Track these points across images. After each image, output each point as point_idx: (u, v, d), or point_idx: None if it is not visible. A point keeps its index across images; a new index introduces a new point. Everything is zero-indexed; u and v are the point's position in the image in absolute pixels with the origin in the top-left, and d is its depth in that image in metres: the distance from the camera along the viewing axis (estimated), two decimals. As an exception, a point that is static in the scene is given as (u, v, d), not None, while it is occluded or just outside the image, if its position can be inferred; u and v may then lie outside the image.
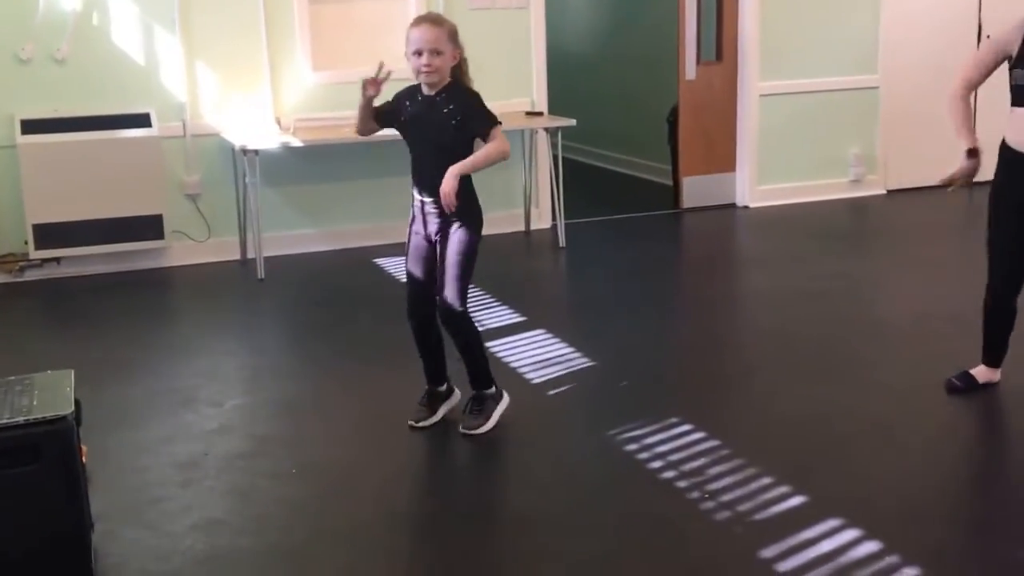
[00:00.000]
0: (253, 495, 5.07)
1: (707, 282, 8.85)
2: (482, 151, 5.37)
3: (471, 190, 5.48)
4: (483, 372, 5.68)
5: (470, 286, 5.54)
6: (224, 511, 4.92)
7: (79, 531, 4.17)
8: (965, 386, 5.92)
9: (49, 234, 8.66)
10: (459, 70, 5.44)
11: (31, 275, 8.88)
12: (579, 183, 11.05)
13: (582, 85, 13.11)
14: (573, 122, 9.66)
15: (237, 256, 9.46)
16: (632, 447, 5.40)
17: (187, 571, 4.41)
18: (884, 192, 11.51)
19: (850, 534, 4.45)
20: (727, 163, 11.12)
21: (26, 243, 8.68)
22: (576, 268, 9.20)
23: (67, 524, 4.12)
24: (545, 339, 7.04)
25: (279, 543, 4.61)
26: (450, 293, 5.43)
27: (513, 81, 10.03)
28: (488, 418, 5.63)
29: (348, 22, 9.55)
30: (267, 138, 8.95)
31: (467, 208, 5.41)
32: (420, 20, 5.41)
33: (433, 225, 5.48)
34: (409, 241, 5.62)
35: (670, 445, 5.39)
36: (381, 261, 9.19)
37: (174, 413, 6.05)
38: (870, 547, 4.35)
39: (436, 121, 5.36)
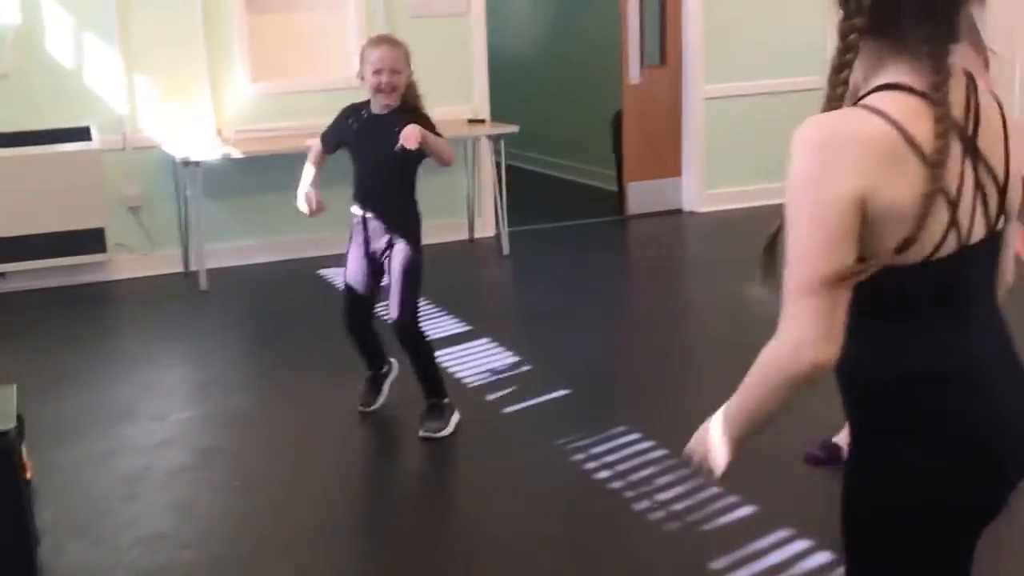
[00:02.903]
0: (197, 508, 5.07)
1: (654, 290, 8.86)
2: (435, 137, 5.46)
3: (414, 202, 5.67)
4: (438, 384, 5.72)
5: (419, 300, 5.64)
6: (168, 525, 4.91)
7: (25, 547, 4.13)
8: (827, 457, 5.12)
9: (-7, 249, 8.58)
10: (409, 92, 5.58)
11: (-27, 291, 8.80)
12: (522, 190, 11.00)
13: (524, 90, 13.08)
14: (515, 129, 9.66)
15: (180, 268, 9.37)
16: (579, 456, 5.40)
17: None
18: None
19: (801, 544, 4.44)
20: (672, 168, 11.09)
21: (-34, 258, 8.59)
22: (521, 276, 9.20)
23: (12, 540, 4.08)
24: (491, 348, 7.03)
25: (223, 556, 4.62)
26: (404, 311, 5.55)
27: (455, 88, 10.01)
28: (447, 423, 5.65)
29: (287, 33, 9.52)
30: (208, 149, 8.90)
31: (410, 221, 5.63)
32: (380, 40, 5.57)
33: (377, 241, 5.61)
34: (348, 256, 5.82)
35: (618, 455, 5.39)
36: (324, 272, 9.13)
37: (117, 427, 6.02)
38: (822, 558, 4.33)
39: (385, 139, 5.38)
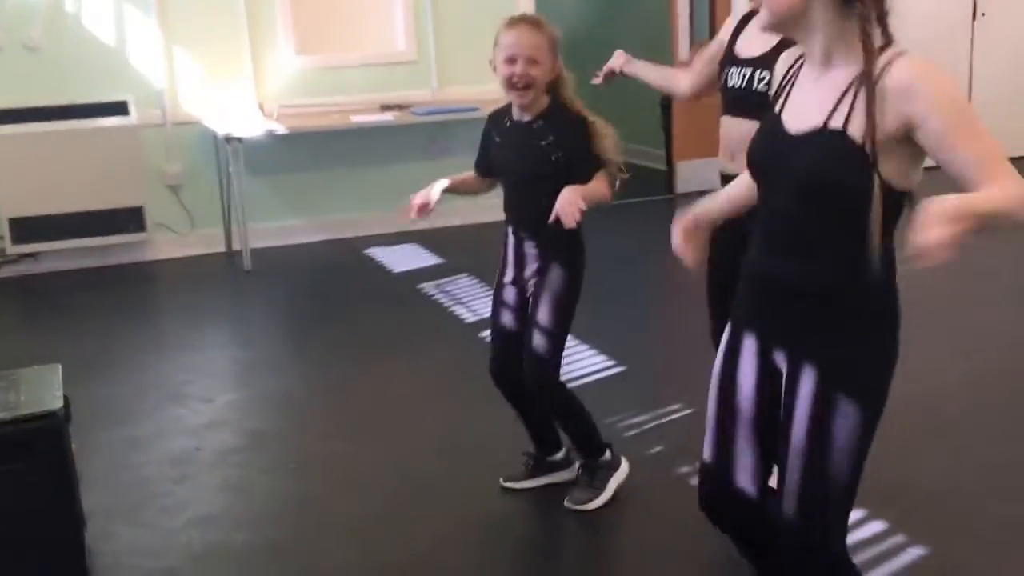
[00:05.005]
0: (250, 490, 4.96)
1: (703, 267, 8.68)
2: (591, 188, 4.30)
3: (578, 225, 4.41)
4: (589, 439, 4.69)
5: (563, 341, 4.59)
6: (220, 506, 4.81)
7: (72, 529, 4.03)
8: None
9: (25, 228, 8.40)
10: (559, 90, 4.52)
11: (8, 271, 8.62)
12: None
13: (573, 69, 12.89)
14: (564, 107, 9.47)
15: (222, 248, 9.21)
16: (633, 432, 5.34)
17: (184, 568, 4.33)
18: (882, 173, 11.35)
19: (854, 514, 4.34)
20: (721, 147, 10.94)
21: (1, 238, 8.43)
22: (570, 255, 9.03)
23: (60, 522, 3.98)
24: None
25: (277, 538, 4.52)
26: (541, 352, 4.50)
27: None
28: (600, 491, 4.64)
29: (331, 4, 9.31)
30: (251, 125, 8.69)
31: (565, 245, 4.50)
32: (516, 21, 4.42)
33: (529, 266, 4.55)
34: (497, 284, 4.72)
35: (672, 431, 5.33)
36: (371, 251, 9.01)
37: (163, 409, 5.90)
38: (876, 527, 4.37)
39: (531, 154, 4.42)
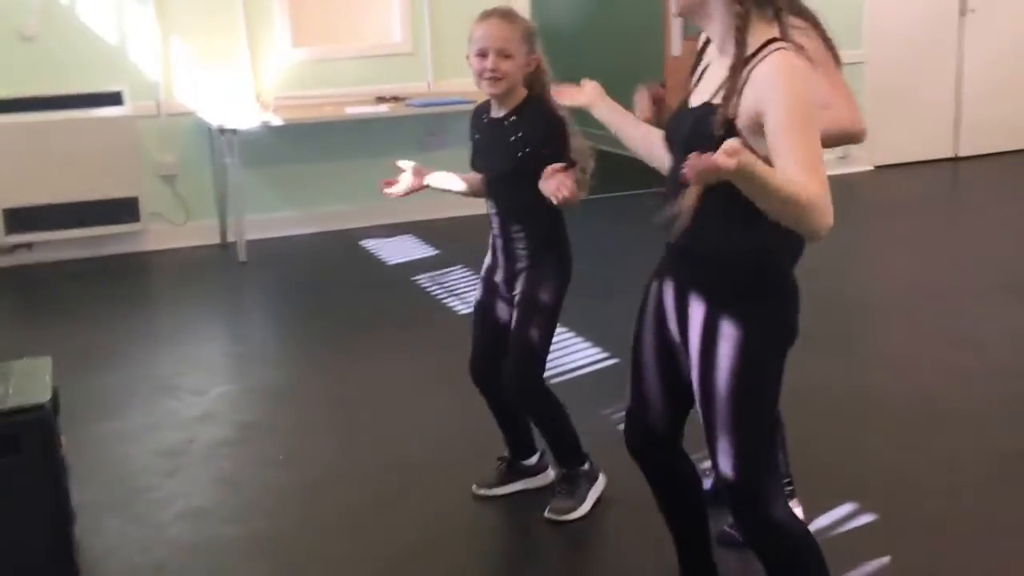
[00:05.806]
0: (240, 483, 4.95)
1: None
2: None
3: (553, 221, 4.42)
4: (570, 448, 4.58)
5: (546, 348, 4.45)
6: (210, 500, 4.81)
7: (61, 523, 4.00)
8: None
9: (20, 219, 8.42)
10: (537, 82, 4.36)
11: (2, 261, 8.62)
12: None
13: (565, 62, 12.82)
14: (557, 100, 9.46)
15: (217, 240, 9.21)
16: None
17: (174, 561, 4.31)
18: (872, 168, 11.36)
19: (847, 507, 4.44)
20: (713, 140, 10.92)
21: (-5, 228, 8.43)
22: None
23: (49, 515, 3.95)
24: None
25: (267, 531, 4.52)
26: (522, 362, 4.39)
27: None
28: (581, 501, 4.53)
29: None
30: (246, 117, 8.68)
31: (542, 245, 4.40)
32: (488, 14, 4.26)
33: (506, 268, 4.45)
34: (481, 283, 4.64)
35: None
36: (366, 243, 9.01)
37: (156, 401, 5.89)
38: (866, 519, 4.36)
39: (501, 149, 4.31)
